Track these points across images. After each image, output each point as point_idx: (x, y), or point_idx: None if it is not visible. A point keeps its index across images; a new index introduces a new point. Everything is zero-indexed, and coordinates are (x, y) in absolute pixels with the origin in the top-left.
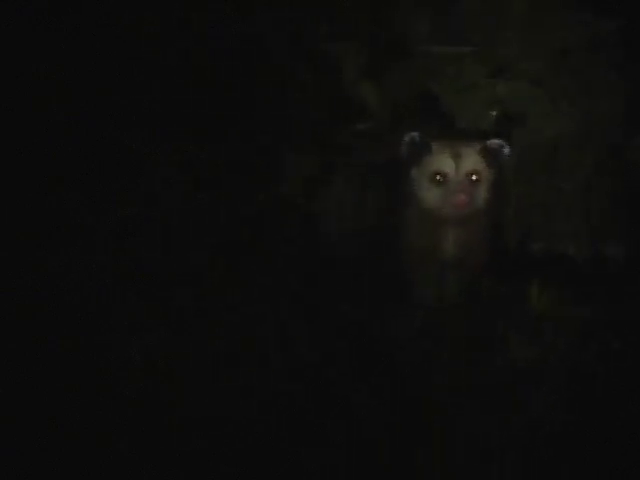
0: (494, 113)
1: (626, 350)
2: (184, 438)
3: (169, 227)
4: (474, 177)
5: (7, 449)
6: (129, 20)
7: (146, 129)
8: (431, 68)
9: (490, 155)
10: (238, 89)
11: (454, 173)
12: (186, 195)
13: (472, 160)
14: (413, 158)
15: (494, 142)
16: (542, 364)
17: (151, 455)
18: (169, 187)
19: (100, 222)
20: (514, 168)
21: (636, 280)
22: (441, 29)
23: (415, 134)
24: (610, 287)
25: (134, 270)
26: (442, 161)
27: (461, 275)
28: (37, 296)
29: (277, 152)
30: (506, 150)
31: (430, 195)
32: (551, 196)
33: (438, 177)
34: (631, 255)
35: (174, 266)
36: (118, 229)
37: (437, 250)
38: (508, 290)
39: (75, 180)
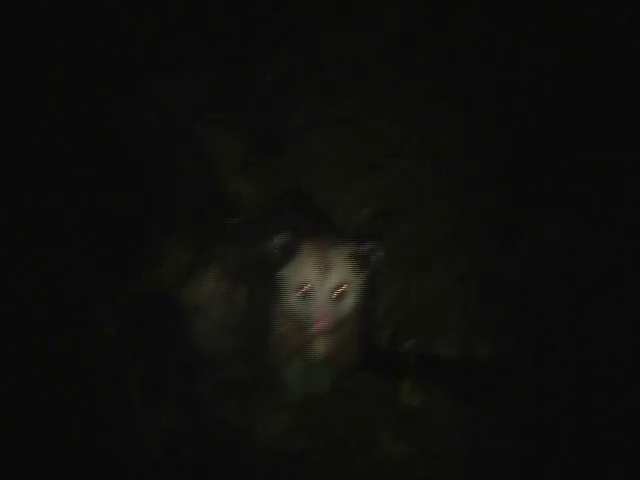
0: (369, 209)
1: (497, 445)
2: None
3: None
4: (340, 289)
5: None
6: None
7: None
8: (306, 164)
9: (361, 257)
10: (119, 176)
11: (319, 286)
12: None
13: (340, 270)
14: (282, 259)
15: (365, 244)
16: (412, 461)
17: None
18: None
19: None
20: (388, 266)
21: (504, 379)
22: (316, 125)
23: (285, 236)
24: (479, 385)
25: None
26: (308, 271)
27: (332, 371)
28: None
29: (154, 239)
30: (378, 252)
31: (295, 305)
32: (425, 294)
33: (303, 288)
34: (500, 355)
35: None
36: None
37: (305, 348)
38: (380, 385)
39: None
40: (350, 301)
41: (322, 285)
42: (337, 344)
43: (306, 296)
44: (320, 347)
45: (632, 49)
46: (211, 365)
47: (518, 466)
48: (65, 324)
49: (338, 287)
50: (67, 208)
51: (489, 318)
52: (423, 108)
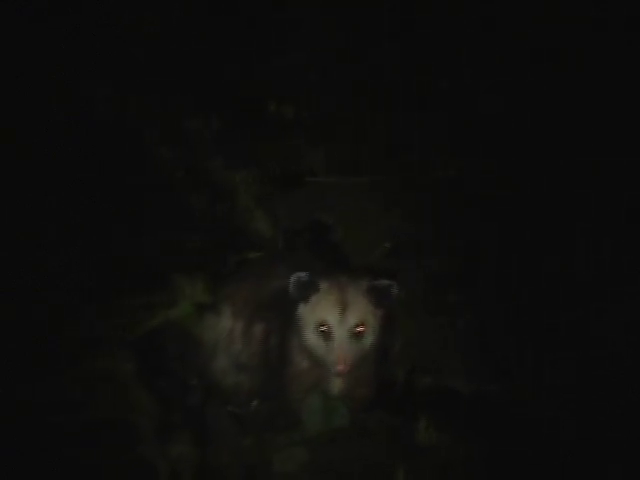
0: (387, 245)
1: None
2: None
3: None
4: (359, 329)
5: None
6: None
7: None
8: (324, 198)
9: (378, 295)
10: (135, 214)
11: (338, 326)
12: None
13: (358, 309)
14: (300, 297)
15: (382, 282)
16: None
17: None
18: None
19: None
20: (404, 302)
21: (516, 416)
22: (335, 160)
23: (302, 274)
24: (492, 422)
25: None
26: (327, 310)
27: (348, 407)
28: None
29: (169, 277)
30: (394, 290)
31: (314, 344)
32: (440, 332)
33: (322, 328)
34: (513, 392)
35: None
36: None
37: (322, 384)
38: (395, 423)
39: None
40: (368, 339)
41: (341, 324)
42: (354, 381)
43: (325, 335)
44: (337, 384)
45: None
46: (228, 401)
47: None
48: (81, 360)
49: (357, 326)
50: (82, 253)
51: (505, 355)
52: (438, 147)
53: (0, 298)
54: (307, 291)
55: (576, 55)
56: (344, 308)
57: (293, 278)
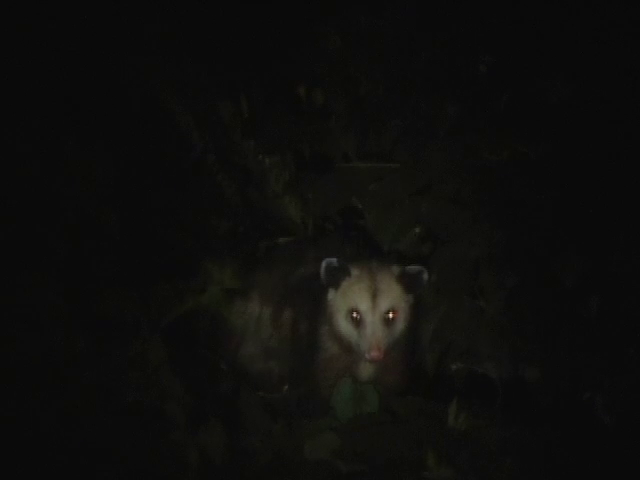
0: (417, 230)
1: (544, 468)
2: None
3: None
4: (390, 315)
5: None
6: None
7: None
8: (355, 184)
9: (409, 280)
10: (164, 199)
11: (370, 313)
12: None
13: (389, 295)
14: (331, 282)
15: (413, 268)
16: None
17: None
18: None
19: None
20: (435, 288)
21: (552, 402)
22: (366, 146)
23: (333, 260)
24: (527, 409)
25: None
26: (359, 297)
27: (378, 393)
28: None
29: (198, 263)
30: (425, 275)
31: (345, 330)
32: (472, 317)
33: (354, 314)
34: (548, 378)
35: None
36: None
37: (352, 370)
38: (426, 408)
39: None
40: (399, 325)
41: (372, 310)
42: (384, 367)
43: (356, 322)
44: (367, 370)
45: None
46: (258, 387)
47: None
48: (113, 347)
49: (388, 312)
50: (117, 232)
51: (537, 340)
52: (469, 134)
53: (33, 283)
54: (338, 277)
55: None
56: (375, 294)
57: (324, 264)
